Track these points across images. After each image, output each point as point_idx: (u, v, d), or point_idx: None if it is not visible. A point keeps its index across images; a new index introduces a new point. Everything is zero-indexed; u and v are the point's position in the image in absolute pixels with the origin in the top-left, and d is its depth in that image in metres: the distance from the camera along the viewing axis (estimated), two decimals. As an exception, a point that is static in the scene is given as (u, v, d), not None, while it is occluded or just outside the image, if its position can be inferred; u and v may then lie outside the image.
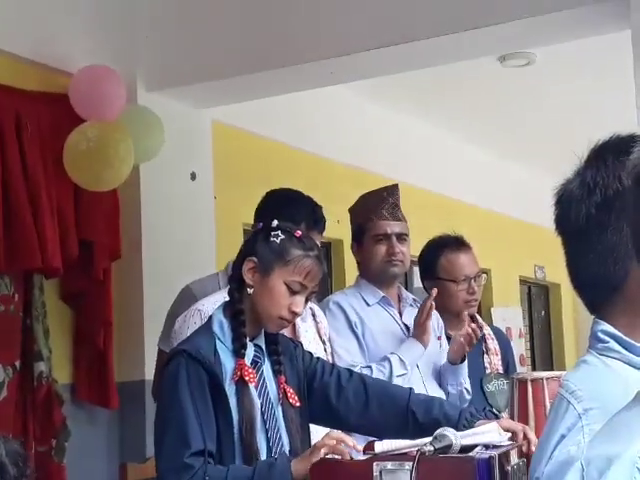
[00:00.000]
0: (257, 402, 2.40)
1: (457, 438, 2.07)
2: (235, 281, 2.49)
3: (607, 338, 1.29)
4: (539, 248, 8.82)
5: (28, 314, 4.06)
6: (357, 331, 3.41)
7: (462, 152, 7.86)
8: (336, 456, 2.20)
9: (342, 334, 3.38)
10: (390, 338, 3.44)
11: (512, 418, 2.61)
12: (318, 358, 2.66)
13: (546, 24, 4.05)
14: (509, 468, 2.06)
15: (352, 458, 2.22)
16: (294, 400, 2.47)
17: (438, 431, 2.09)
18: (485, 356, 3.78)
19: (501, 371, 3.79)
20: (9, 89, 4.04)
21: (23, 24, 4.16)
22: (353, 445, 2.25)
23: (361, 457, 2.19)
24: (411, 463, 1.98)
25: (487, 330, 3.87)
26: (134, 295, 4.50)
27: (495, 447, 2.11)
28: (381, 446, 2.14)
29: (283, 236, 2.46)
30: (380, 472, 2.03)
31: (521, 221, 8.74)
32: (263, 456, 2.37)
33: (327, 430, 2.45)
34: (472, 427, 2.31)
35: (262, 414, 2.40)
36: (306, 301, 2.49)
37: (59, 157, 4.10)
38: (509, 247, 8.47)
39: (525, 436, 2.29)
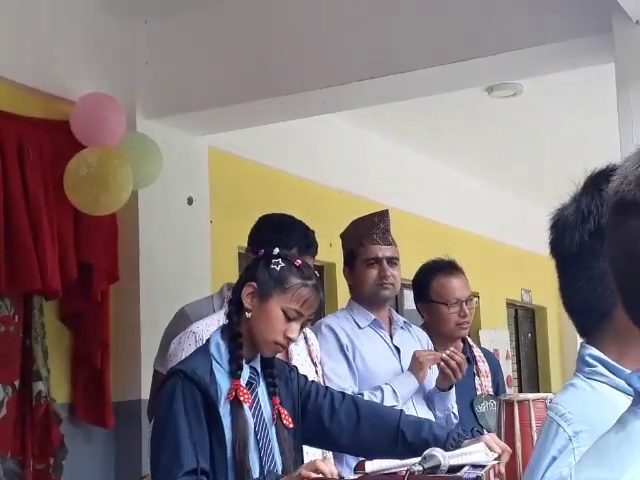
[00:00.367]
0: (251, 422, 2.41)
1: (445, 458, 2.12)
2: (234, 304, 2.52)
3: (594, 362, 1.29)
4: (526, 272, 8.94)
5: (28, 335, 4.09)
6: (348, 354, 3.43)
7: (452, 180, 7.91)
8: (328, 475, 2.22)
9: (333, 357, 3.41)
10: (381, 360, 3.47)
11: (499, 438, 2.62)
12: (312, 381, 2.69)
13: (531, 57, 4.14)
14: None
15: (342, 478, 2.26)
16: (288, 421, 2.48)
17: (427, 451, 2.13)
18: (476, 378, 3.79)
19: (491, 392, 3.80)
20: (11, 116, 4.10)
21: (25, 53, 4.22)
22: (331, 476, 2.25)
23: (352, 477, 2.23)
24: (401, 482, 2.03)
25: (478, 352, 3.89)
26: (131, 317, 4.54)
27: (482, 467, 2.16)
28: (371, 466, 2.18)
29: (283, 264, 2.49)
30: (370, 491, 2.07)
31: (508, 246, 8.78)
32: (256, 476, 2.39)
33: (320, 452, 2.49)
34: (459, 447, 2.35)
35: (256, 434, 2.41)
36: (301, 328, 2.53)
37: (60, 182, 4.15)
38: (496, 271, 8.50)
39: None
